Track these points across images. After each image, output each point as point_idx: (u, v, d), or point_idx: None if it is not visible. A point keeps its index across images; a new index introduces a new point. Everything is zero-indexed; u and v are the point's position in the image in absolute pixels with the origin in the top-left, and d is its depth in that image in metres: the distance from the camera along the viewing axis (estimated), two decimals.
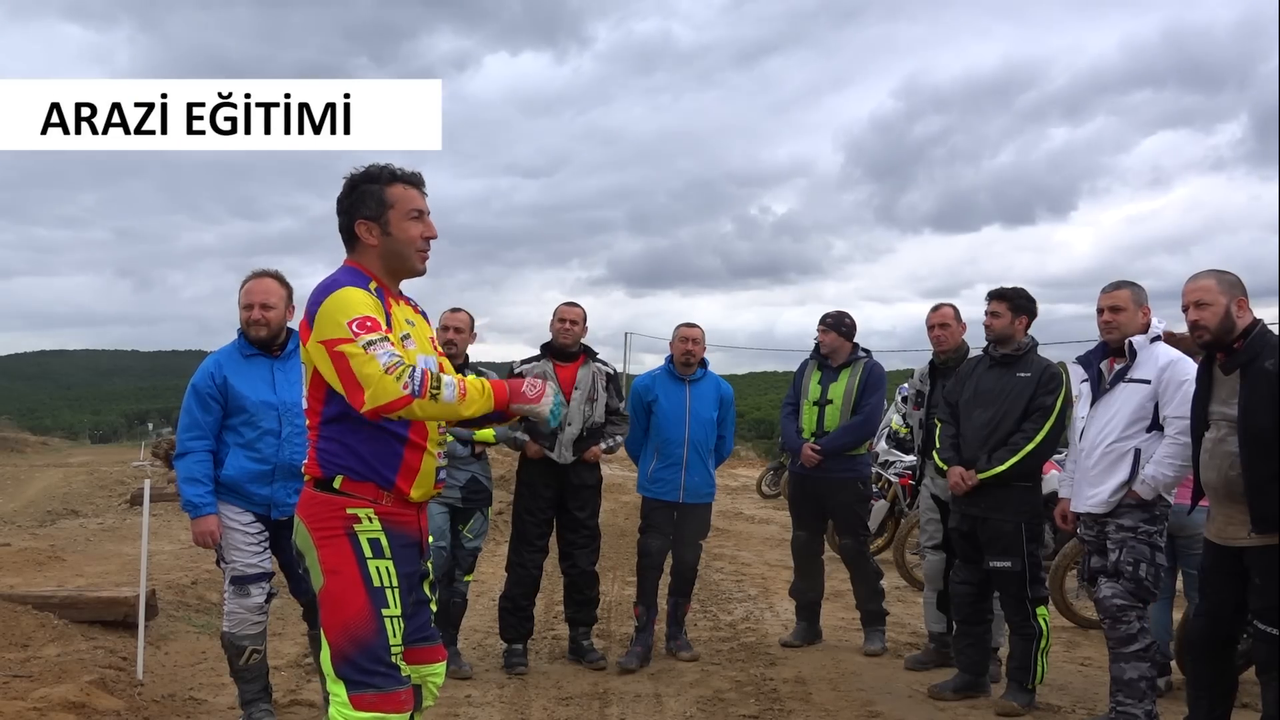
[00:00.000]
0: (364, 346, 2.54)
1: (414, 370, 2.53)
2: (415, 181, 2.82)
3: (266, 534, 4.19)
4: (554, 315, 5.72)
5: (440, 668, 2.89)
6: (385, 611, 2.63)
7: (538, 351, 5.73)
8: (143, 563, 5.20)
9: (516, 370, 5.66)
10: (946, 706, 4.94)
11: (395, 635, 2.64)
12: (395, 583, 2.66)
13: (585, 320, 5.72)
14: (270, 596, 4.24)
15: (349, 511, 2.67)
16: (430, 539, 5.19)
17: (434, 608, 2.93)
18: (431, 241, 2.82)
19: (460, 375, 2.73)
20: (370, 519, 2.67)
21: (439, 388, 2.54)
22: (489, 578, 8.20)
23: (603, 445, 5.66)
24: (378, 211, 2.75)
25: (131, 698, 4.56)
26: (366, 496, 2.68)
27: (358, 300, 2.63)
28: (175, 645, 5.80)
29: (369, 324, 2.58)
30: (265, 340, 4.22)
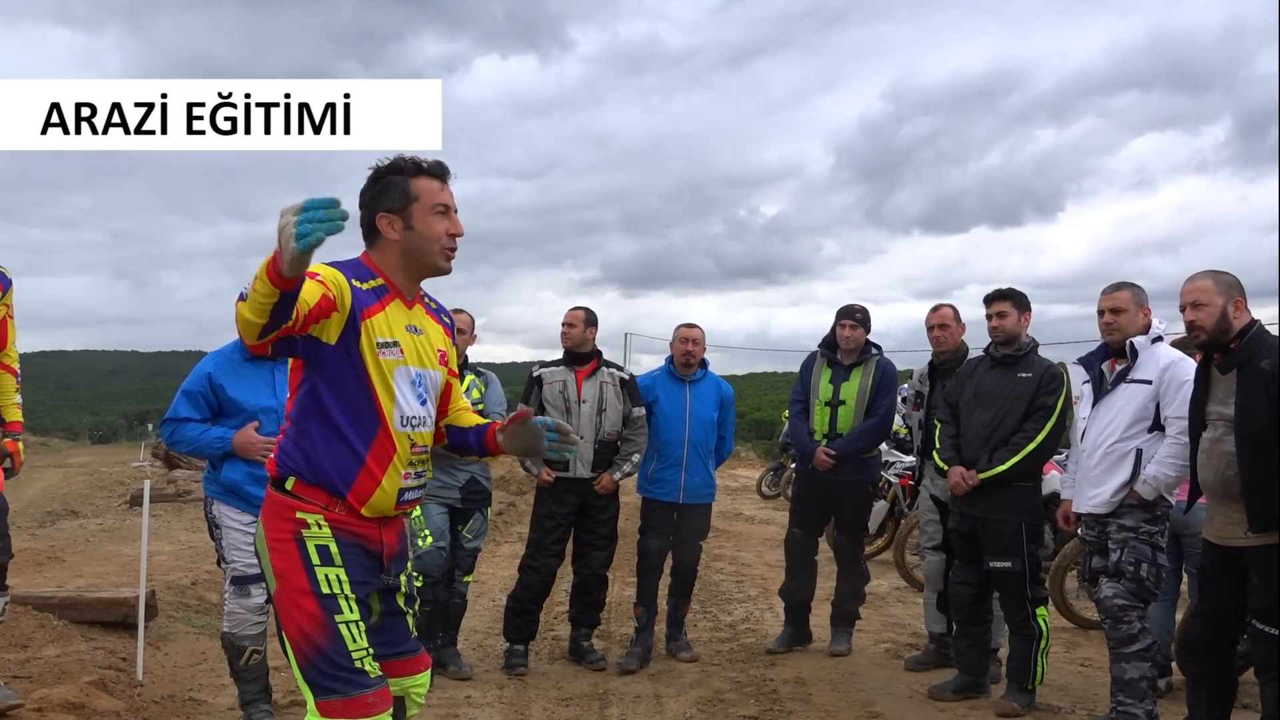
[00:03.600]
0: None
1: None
2: (441, 174, 2.68)
3: None
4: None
5: (423, 678, 2.81)
6: (339, 618, 2.53)
7: (559, 356, 5.74)
8: (142, 563, 5.20)
9: (535, 374, 5.69)
10: (946, 707, 4.95)
11: (356, 640, 2.54)
12: (348, 590, 2.55)
13: (586, 322, 5.65)
14: (271, 597, 4.24)
15: (298, 516, 2.57)
16: (429, 540, 5.21)
17: (411, 620, 2.83)
18: (458, 240, 2.69)
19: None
20: (320, 525, 2.56)
21: (247, 291, 2.26)
22: (489, 578, 8.21)
23: (617, 475, 5.62)
24: (401, 204, 2.62)
25: (131, 698, 4.56)
26: (317, 502, 2.57)
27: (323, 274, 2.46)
28: (175, 646, 5.80)
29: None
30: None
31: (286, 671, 5.24)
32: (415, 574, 5.36)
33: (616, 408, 5.60)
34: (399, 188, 2.63)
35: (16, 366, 4.51)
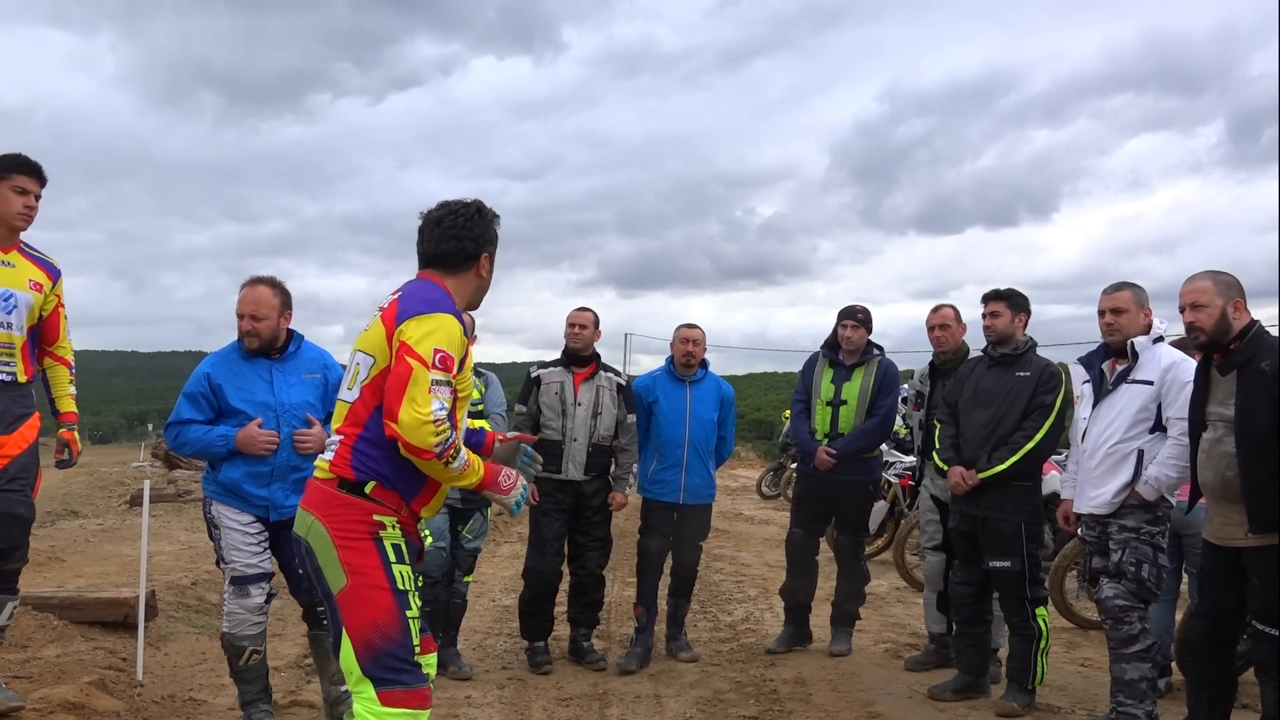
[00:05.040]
0: (432, 382, 2.63)
1: (450, 435, 2.66)
2: None
3: (266, 534, 4.19)
4: (566, 321, 5.72)
5: (432, 658, 2.94)
6: (409, 613, 2.72)
7: (557, 356, 5.74)
8: (142, 563, 5.20)
9: (534, 374, 5.66)
10: (946, 707, 4.95)
11: (416, 636, 2.73)
12: (413, 587, 2.76)
13: (597, 324, 5.68)
14: (270, 597, 4.24)
15: (375, 518, 2.73)
16: (429, 540, 5.21)
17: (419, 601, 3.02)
18: None
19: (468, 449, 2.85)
20: (394, 527, 2.75)
21: (454, 458, 2.69)
22: (489, 578, 8.22)
23: (627, 490, 5.68)
24: (495, 249, 2.93)
25: (131, 698, 4.56)
26: (391, 505, 2.75)
27: (455, 336, 2.73)
28: (175, 646, 5.80)
29: (448, 363, 2.69)
30: (258, 349, 4.21)
31: (286, 671, 5.26)
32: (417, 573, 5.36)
33: (612, 412, 5.61)
34: (496, 234, 2.94)
35: (70, 358, 4.46)
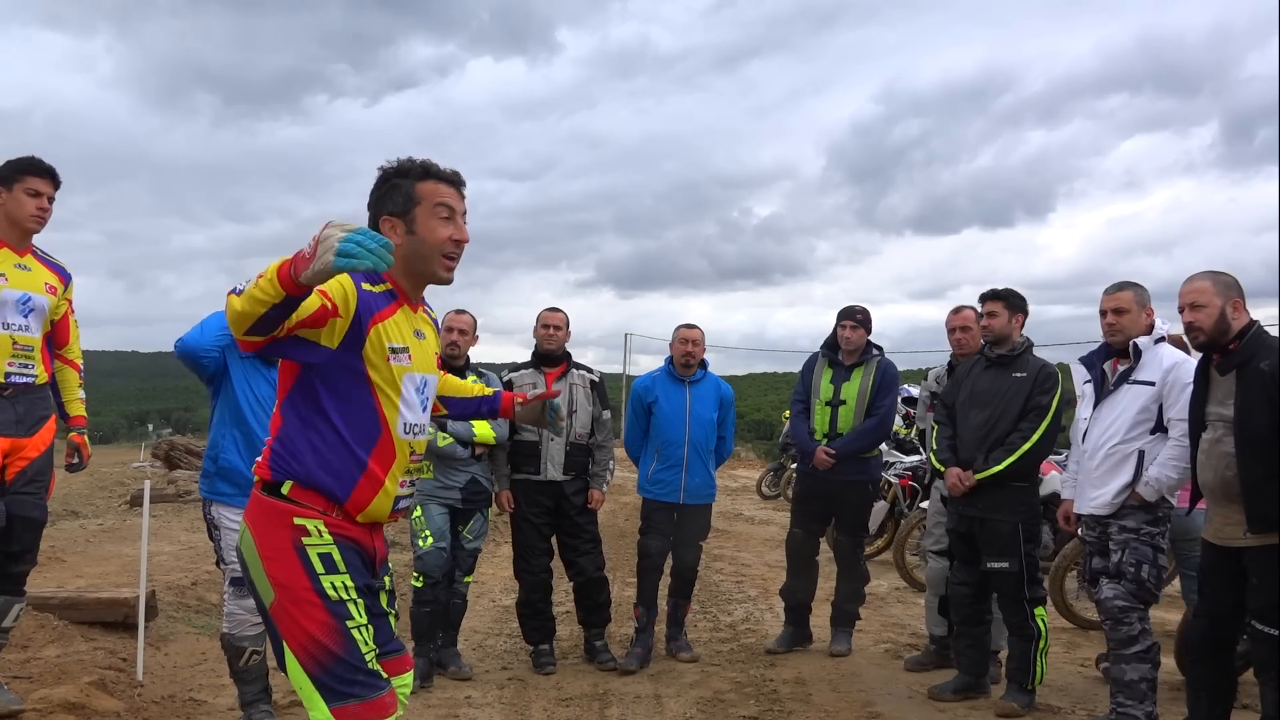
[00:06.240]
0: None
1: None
2: (451, 180, 2.61)
3: None
4: (537, 322, 5.71)
5: (407, 678, 2.76)
6: (350, 623, 2.46)
7: (528, 358, 5.75)
8: (142, 564, 5.20)
9: (505, 378, 5.66)
10: (946, 707, 4.95)
11: (367, 643, 2.49)
12: (355, 595, 2.49)
13: (568, 324, 5.71)
14: (264, 606, 4.22)
15: (296, 522, 2.47)
16: (430, 540, 5.22)
17: (393, 621, 2.74)
18: (463, 246, 2.60)
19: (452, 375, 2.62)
20: (320, 531, 2.48)
21: (244, 287, 2.20)
22: (489, 578, 8.22)
23: (604, 487, 5.67)
24: (404, 207, 2.55)
25: (131, 699, 4.56)
26: (315, 507, 2.49)
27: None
28: (175, 646, 5.80)
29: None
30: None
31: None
32: (417, 574, 5.37)
33: (587, 409, 5.60)
34: (403, 191, 2.57)
35: (79, 361, 4.50)
